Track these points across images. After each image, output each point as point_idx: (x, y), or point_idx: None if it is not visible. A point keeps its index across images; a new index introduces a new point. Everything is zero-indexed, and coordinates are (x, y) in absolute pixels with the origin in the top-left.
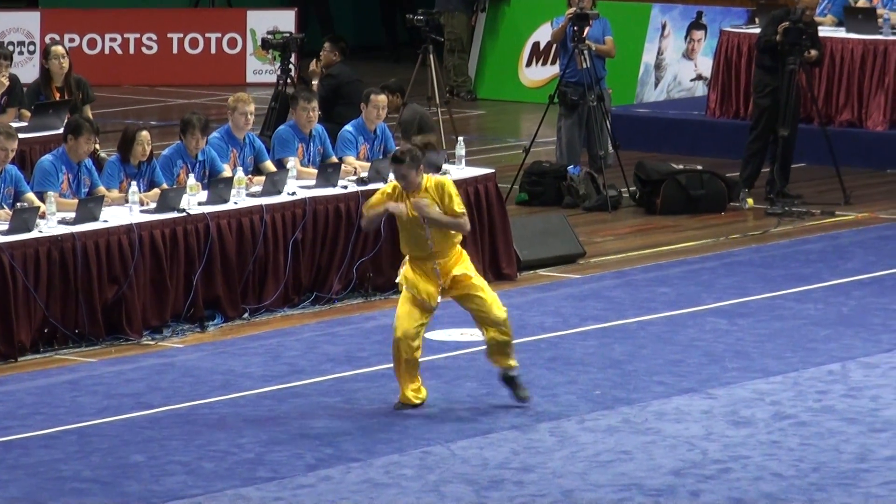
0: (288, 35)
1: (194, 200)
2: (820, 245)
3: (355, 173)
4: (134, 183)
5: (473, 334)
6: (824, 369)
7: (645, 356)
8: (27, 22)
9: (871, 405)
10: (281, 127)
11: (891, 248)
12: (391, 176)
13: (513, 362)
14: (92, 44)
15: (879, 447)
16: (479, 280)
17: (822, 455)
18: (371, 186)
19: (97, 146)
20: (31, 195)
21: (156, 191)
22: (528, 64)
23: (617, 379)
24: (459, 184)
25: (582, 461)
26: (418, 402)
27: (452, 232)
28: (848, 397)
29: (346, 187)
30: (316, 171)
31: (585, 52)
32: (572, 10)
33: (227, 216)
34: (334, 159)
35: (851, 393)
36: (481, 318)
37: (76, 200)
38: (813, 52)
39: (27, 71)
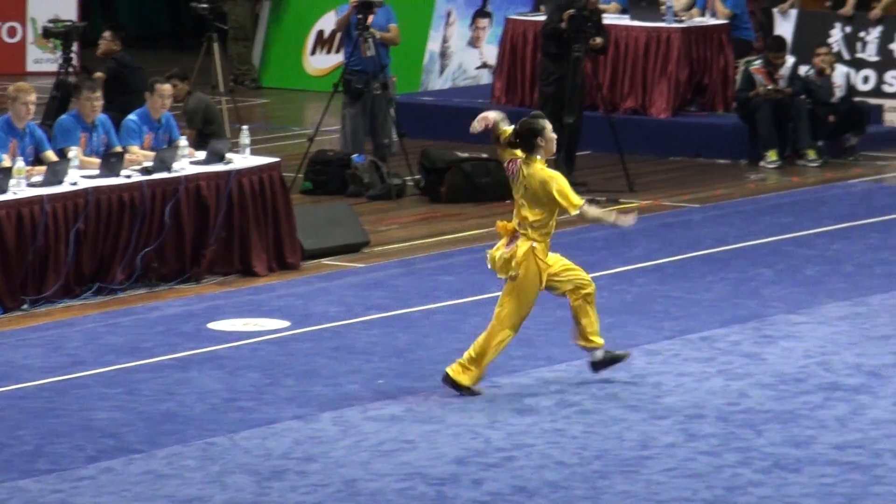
0: (70, 24)
1: None
2: (604, 233)
3: (140, 163)
4: None
5: (257, 324)
6: None
7: (429, 345)
8: None
9: (654, 392)
10: (63, 116)
11: (673, 236)
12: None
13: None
14: None
15: (661, 434)
16: None
17: (605, 443)
18: (155, 176)
19: None
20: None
21: None
22: (313, 52)
23: (401, 368)
24: (244, 173)
25: (365, 451)
26: None
27: None
28: (631, 385)
29: (129, 177)
30: (99, 160)
31: (370, 39)
32: None
33: (6, 206)
34: (118, 149)
35: (634, 380)
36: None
37: None
38: (598, 40)
39: None
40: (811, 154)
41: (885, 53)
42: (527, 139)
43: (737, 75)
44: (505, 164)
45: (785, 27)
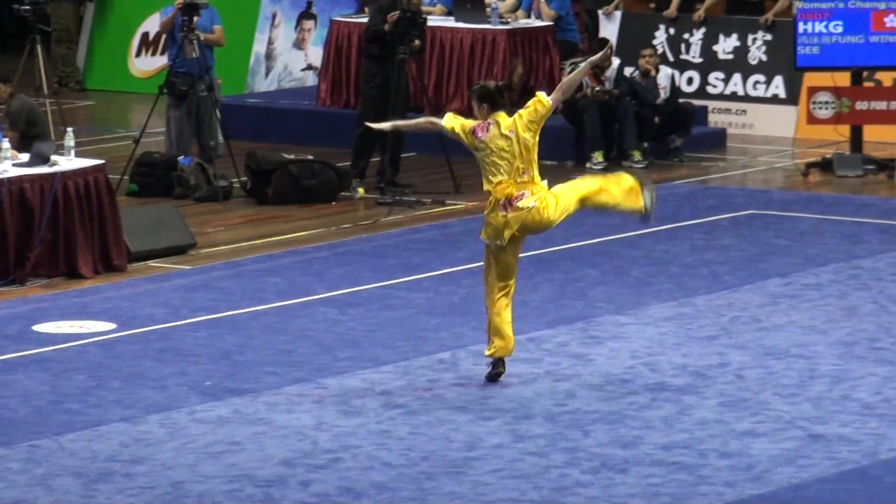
0: None
1: None
2: (431, 234)
3: None
4: None
5: (83, 327)
6: (435, 358)
7: (256, 346)
8: None
9: (480, 393)
10: None
11: None
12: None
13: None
14: None
15: (488, 435)
16: None
17: (432, 444)
18: None
19: None
20: None
21: None
22: (138, 54)
23: (228, 370)
24: (69, 175)
25: (192, 453)
26: None
27: None
28: (458, 385)
29: None
30: None
31: (195, 41)
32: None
33: None
34: None
35: (461, 381)
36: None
37: None
38: (416, 42)
39: None
40: (637, 155)
41: (708, 55)
42: (497, 97)
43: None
44: (469, 133)
45: (610, 29)
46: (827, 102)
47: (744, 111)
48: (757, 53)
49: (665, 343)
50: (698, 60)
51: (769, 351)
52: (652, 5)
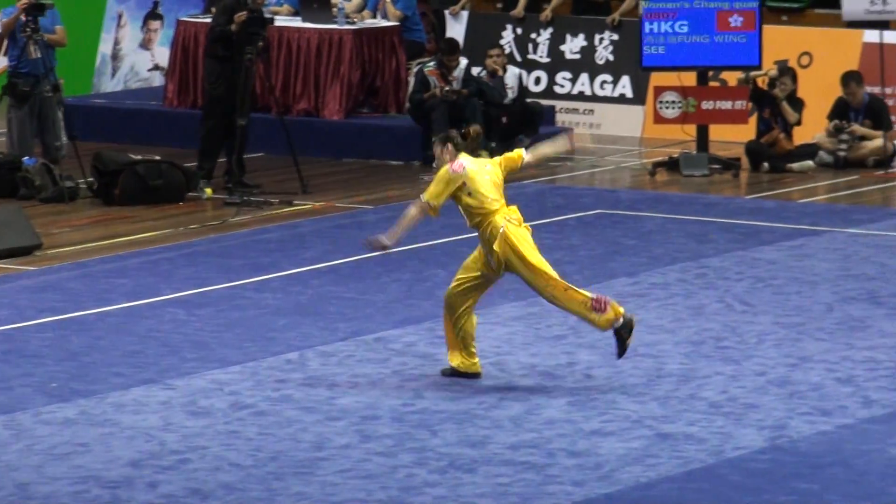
0: None
1: None
2: (279, 234)
3: None
4: None
5: None
6: (283, 358)
7: (103, 347)
8: None
9: (328, 394)
10: None
11: (347, 237)
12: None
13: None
14: None
15: (336, 435)
16: None
17: (280, 444)
18: None
19: None
20: None
21: None
22: None
23: (74, 371)
24: None
25: (38, 454)
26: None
27: None
28: (306, 386)
29: None
30: None
31: (38, 41)
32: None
33: None
34: None
35: (309, 381)
36: None
37: None
38: (260, 43)
39: None
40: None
41: (555, 55)
42: (458, 140)
43: (409, 77)
44: (452, 181)
45: (457, 29)
46: (673, 102)
47: (591, 111)
48: (604, 53)
49: (513, 343)
50: (545, 60)
51: (616, 350)
52: (499, 5)
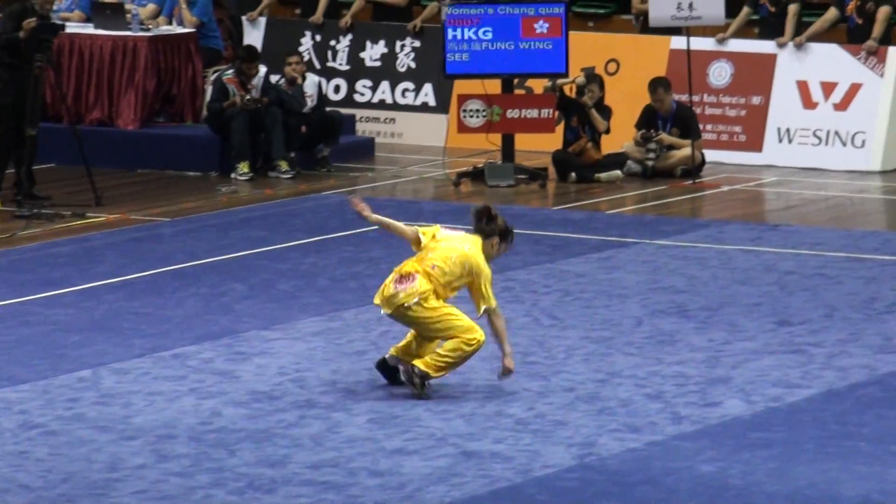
0: None
1: None
2: (70, 248)
3: None
4: None
5: None
6: (75, 376)
7: None
8: None
9: (123, 412)
10: None
11: (143, 251)
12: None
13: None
14: None
15: (131, 455)
16: None
17: (73, 465)
18: None
19: None
20: None
21: None
22: None
23: None
24: None
25: None
26: None
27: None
28: (99, 404)
29: None
30: None
31: None
32: None
33: None
34: None
35: (103, 400)
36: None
37: None
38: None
39: None
40: (284, 165)
41: (355, 62)
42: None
43: (206, 85)
44: None
45: (254, 35)
46: (477, 111)
47: (392, 119)
48: (405, 60)
49: (314, 358)
50: (345, 68)
51: None
52: (297, 11)
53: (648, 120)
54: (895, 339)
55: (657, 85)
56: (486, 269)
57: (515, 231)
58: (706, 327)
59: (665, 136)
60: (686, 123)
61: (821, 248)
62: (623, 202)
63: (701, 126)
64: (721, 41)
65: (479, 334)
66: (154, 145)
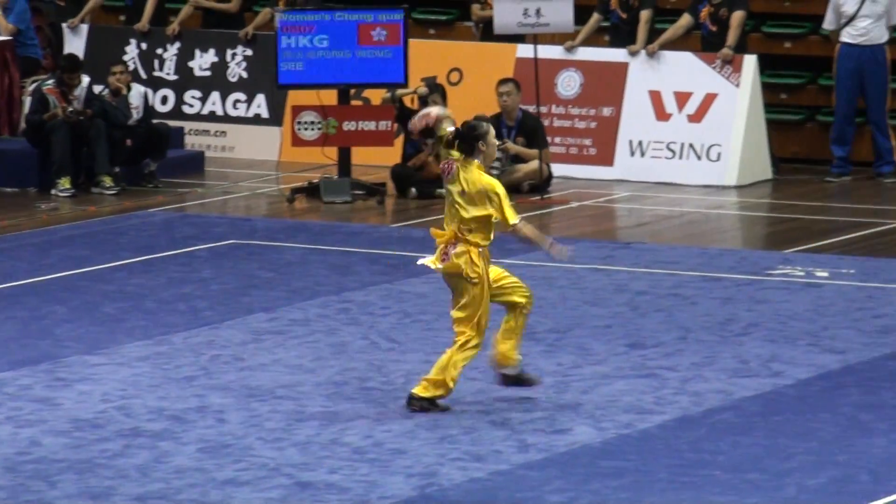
0: None
1: None
2: None
3: None
4: None
5: None
6: None
7: None
8: None
9: None
10: None
11: None
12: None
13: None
14: None
15: None
16: None
17: None
18: None
19: None
20: None
21: None
22: None
23: None
24: None
25: None
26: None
27: None
28: None
29: None
30: None
31: None
32: None
33: None
34: None
35: None
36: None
37: None
38: None
39: None
40: (108, 181)
41: (184, 72)
42: (468, 142)
43: (24, 96)
44: (441, 164)
45: (76, 43)
46: (312, 123)
47: (223, 132)
48: (237, 70)
49: (140, 385)
50: (173, 78)
51: (253, 392)
52: (121, 17)
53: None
54: (751, 362)
55: (507, 80)
56: (497, 188)
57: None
58: (555, 350)
59: (510, 145)
60: (532, 132)
61: (675, 267)
62: None
63: (549, 139)
64: (570, 49)
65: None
66: None
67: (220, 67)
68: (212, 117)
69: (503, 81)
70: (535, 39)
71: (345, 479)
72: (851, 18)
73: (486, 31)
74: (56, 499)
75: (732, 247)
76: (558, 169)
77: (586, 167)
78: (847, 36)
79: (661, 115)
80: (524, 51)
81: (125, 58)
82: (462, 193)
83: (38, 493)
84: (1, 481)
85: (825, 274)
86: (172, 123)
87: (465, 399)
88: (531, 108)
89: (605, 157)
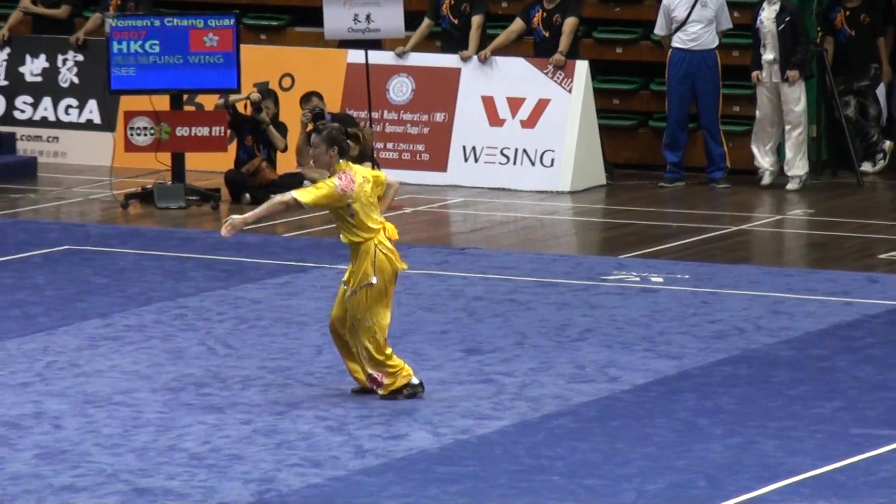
0: None
1: None
2: None
3: None
4: None
5: None
6: None
7: None
8: None
9: None
10: None
11: None
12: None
13: None
14: None
15: None
16: None
17: None
18: None
19: None
20: None
21: None
22: None
23: None
24: None
25: None
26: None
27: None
28: None
29: None
30: None
31: None
32: None
33: None
34: None
35: None
36: None
37: None
38: None
39: None
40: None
41: (14, 77)
42: (346, 145)
43: None
44: (339, 196)
45: None
46: (145, 128)
47: (56, 138)
48: (68, 75)
49: None
50: (4, 83)
51: (89, 398)
52: None
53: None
54: (587, 367)
55: (311, 94)
56: (331, 187)
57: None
58: None
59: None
60: None
61: (510, 273)
62: (301, 225)
63: (381, 145)
64: (401, 55)
65: None
66: None
67: (51, 73)
68: (44, 123)
69: (308, 97)
70: (366, 45)
71: (183, 485)
72: (682, 24)
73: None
74: None
75: (567, 252)
76: (391, 174)
77: (419, 172)
78: (678, 41)
79: (495, 120)
80: (355, 56)
81: None
82: (372, 190)
83: None
84: None
85: (660, 279)
86: (3, 129)
87: (301, 405)
88: (363, 114)
89: (439, 162)
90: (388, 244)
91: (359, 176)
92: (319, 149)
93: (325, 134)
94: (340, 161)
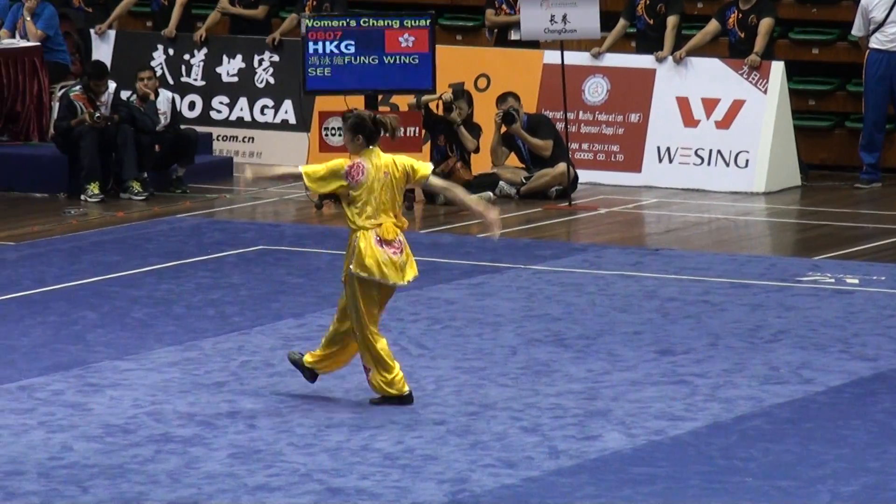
0: None
1: None
2: None
3: None
4: None
5: None
6: None
7: None
8: None
9: None
10: None
11: None
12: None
13: None
14: None
15: None
16: None
17: None
18: None
19: None
20: None
21: None
22: None
23: None
24: None
25: None
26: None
27: None
28: None
29: None
30: None
31: None
32: None
33: None
34: None
35: None
36: None
37: None
38: None
39: None
40: (136, 186)
41: (211, 77)
42: (373, 132)
43: (53, 102)
44: (344, 172)
45: (104, 49)
46: (340, 129)
47: (251, 138)
48: (264, 76)
49: (170, 390)
50: (201, 83)
51: (283, 398)
52: (149, 23)
53: (507, 140)
54: (781, 368)
55: (507, 95)
56: (339, 166)
57: None
58: (584, 357)
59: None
60: (537, 128)
61: (703, 274)
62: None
63: (577, 145)
64: (596, 56)
65: None
66: None
67: (247, 73)
68: (240, 123)
69: (504, 97)
70: (563, 46)
71: (375, 485)
72: (881, 24)
73: (501, 37)
74: (89, 503)
75: (761, 253)
76: (587, 175)
77: (614, 173)
78: (876, 42)
79: (689, 121)
80: (551, 57)
81: (152, 63)
82: (391, 182)
83: (71, 499)
84: (34, 486)
85: (855, 281)
86: (200, 129)
87: (495, 405)
88: (558, 115)
89: (633, 163)
90: (389, 254)
91: (376, 169)
92: (346, 136)
93: (349, 122)
94: (368, 147)
